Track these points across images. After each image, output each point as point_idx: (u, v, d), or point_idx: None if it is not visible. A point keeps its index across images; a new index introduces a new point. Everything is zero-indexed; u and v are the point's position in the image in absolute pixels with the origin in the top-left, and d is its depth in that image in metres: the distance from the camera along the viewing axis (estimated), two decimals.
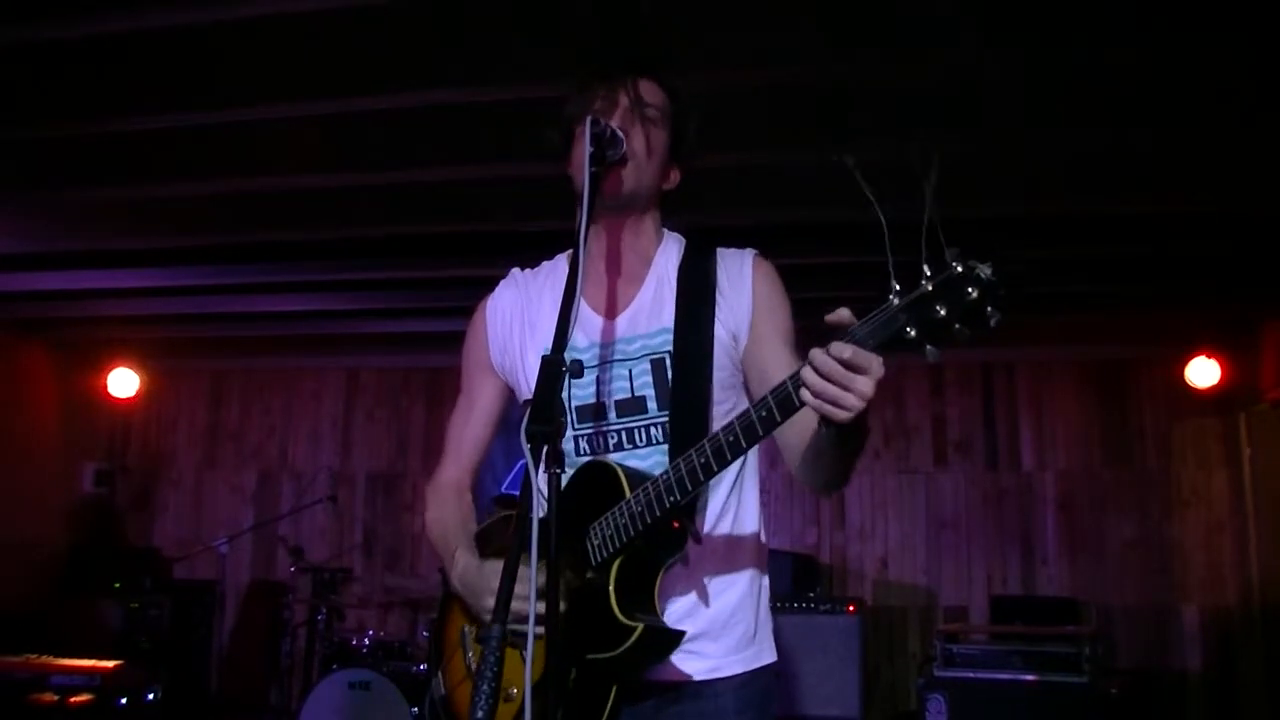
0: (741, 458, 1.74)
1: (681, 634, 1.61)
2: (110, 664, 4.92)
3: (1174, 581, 6.32)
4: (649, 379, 1.72)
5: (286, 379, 7.68)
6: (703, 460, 1.49)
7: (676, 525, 1.59)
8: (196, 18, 3.06)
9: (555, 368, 1.46)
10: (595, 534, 1.59)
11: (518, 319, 1.87)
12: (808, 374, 1.35)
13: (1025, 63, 3.27)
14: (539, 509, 1.36)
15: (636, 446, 1.72)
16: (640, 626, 1.54)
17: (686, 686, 1.69)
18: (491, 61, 3.22)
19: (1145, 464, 6.50)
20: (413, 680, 5.01)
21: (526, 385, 1.82)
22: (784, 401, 1.40)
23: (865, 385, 1.34)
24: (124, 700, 4.86)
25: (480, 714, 1.29)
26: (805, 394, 1.36)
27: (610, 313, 1.78)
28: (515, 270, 1.96)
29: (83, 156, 4.03)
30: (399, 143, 3.83)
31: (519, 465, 1.90)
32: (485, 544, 1.79)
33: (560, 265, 1.91)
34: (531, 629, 1.32)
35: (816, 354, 1.34)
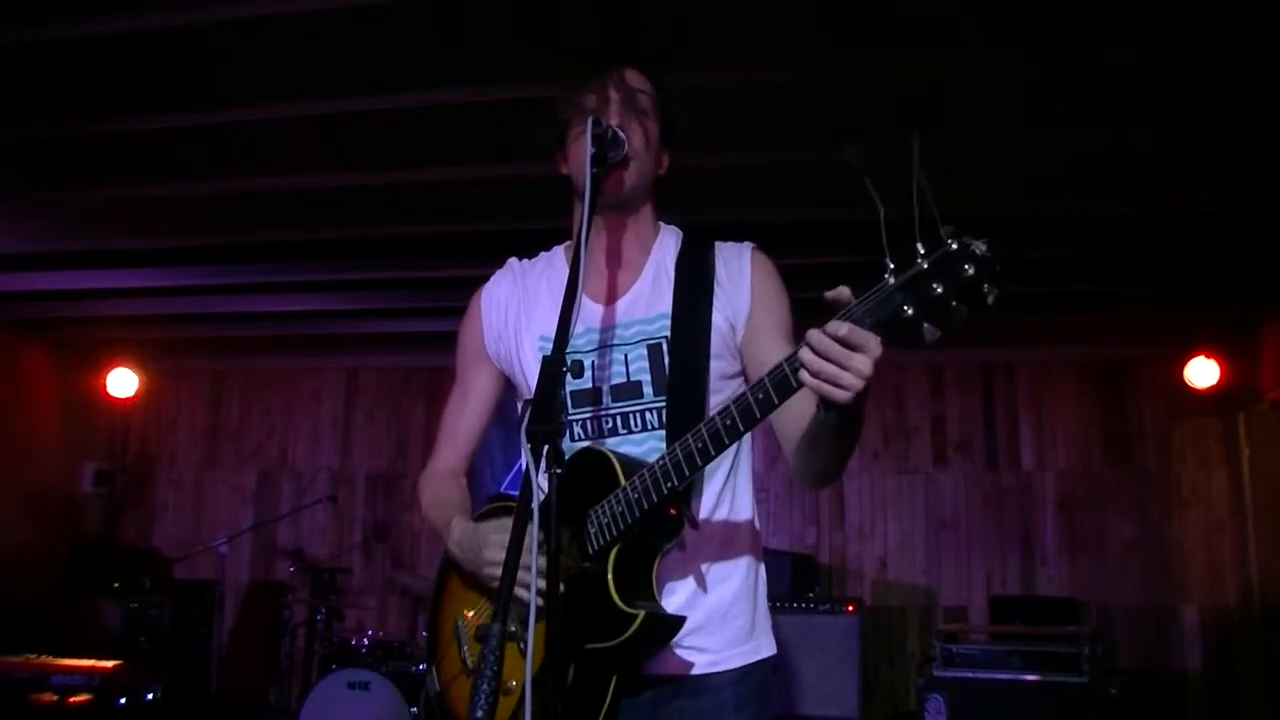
0: (737, 444, 1.73)
1: (682, 620, 1.60)
2: (110, 664, 4.92)
3: (1174, 581, 6.32)
4: (645, 364, 1.72)
5: (286, 379, 7.68)
6: (700, 445, 1.48)
7: (673, 512, 1.58)
8: (196, 18, 3.06)
9: (556, 368, 1.45)
10: (591, 522, 1.59)
11: (514, 307, 1.87)
12: (805, 354, 1.34)
13: (1025, 63, 3.27)
14: (537, 501, 1.36)
15: (632, 431, 1.71)
16: (641, 613, 1.53)
17: (685, 681, 1.68)
18: (491, 61, 3.22)
19: (1145, 464, 6.50)
20: (412, 680, 5.01)
21: (522, 372, 1.82)
22: (781, 383, 1.40)
23: (863, 363, 1.31)
24: (123, 700, 4.86)
25: (480, 714, 1.29)
26: (803, 374, 1.35)
27: (607, 300, 1.79)
28: (513, 260, 1.96)
29: (83, 156, 4.03)
30: (399, 143, 3.83)
31: (518, 464, 1.90)
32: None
33: (558, 256, 1.91)
34: (532, 623, 1.32)
35: (814, 333, 1.33)
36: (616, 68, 1.75)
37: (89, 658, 4.97)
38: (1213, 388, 6.18)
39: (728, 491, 1.76)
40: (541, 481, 1.37)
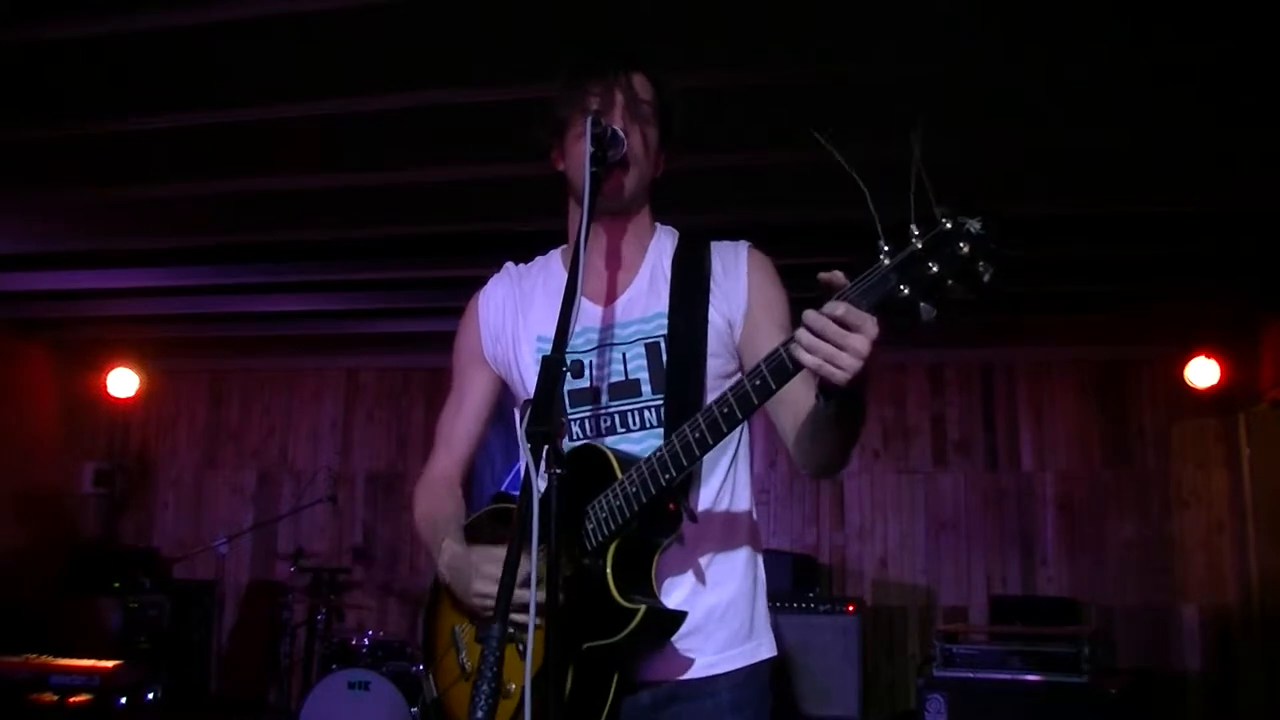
0: (736, 436, 1.75)
1: (683, 615, 1.59)
2: (109, 664, 4.92)
3: (1173, 581, 6.32)
4: (643, 362, 1.71)
5: (286, 379, 7.69)
6: (697, 435, 1.47)
7: (672, 506, 1.57)
8: (196, 18, 3.06)
9: (556, 368, 1.44)
10: (589, 518, 1.57)
11: (510, 309, 1.87)
12: (802, 334, 1.34)
13: (1025, 63, 3.27)
14: (537, 500, 1.35)
15: (630, 430, 1.71)
16: (642, 608, 1.52)
17: (684, 684, 1.67)
18: (491, 62, 3.22)
19: (1145, 464, 6.50)
20: (412, 680, 5.01)
21: (519, 374, 1.81)
22: (778, 368, 1.39)
23: (860, 343, 1.31)
24: (123, 700, 4.86)
25: (480, 714, 1.28)
26: (800, 352, 1.34)
27: (605, 300, 1.78)
28: (509, 264, 1.95)
29: (83, 156, 4.03)
30: (399, 143, 3.83)
31: (517, 466, 1.88)
32: (474, 537, 1.77)
33: (554, 260, 1.91)
34: (533, 619, 1.31)
35: (810, 313, 1.33)
36: (623, 70, 1.74)
37: (89, 658, 4.98)
38: (1213, 388, 6.18)
39: (726, 489, 1.75)
40: (541, 482, 1.36)
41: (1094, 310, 5.89)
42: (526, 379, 1.79)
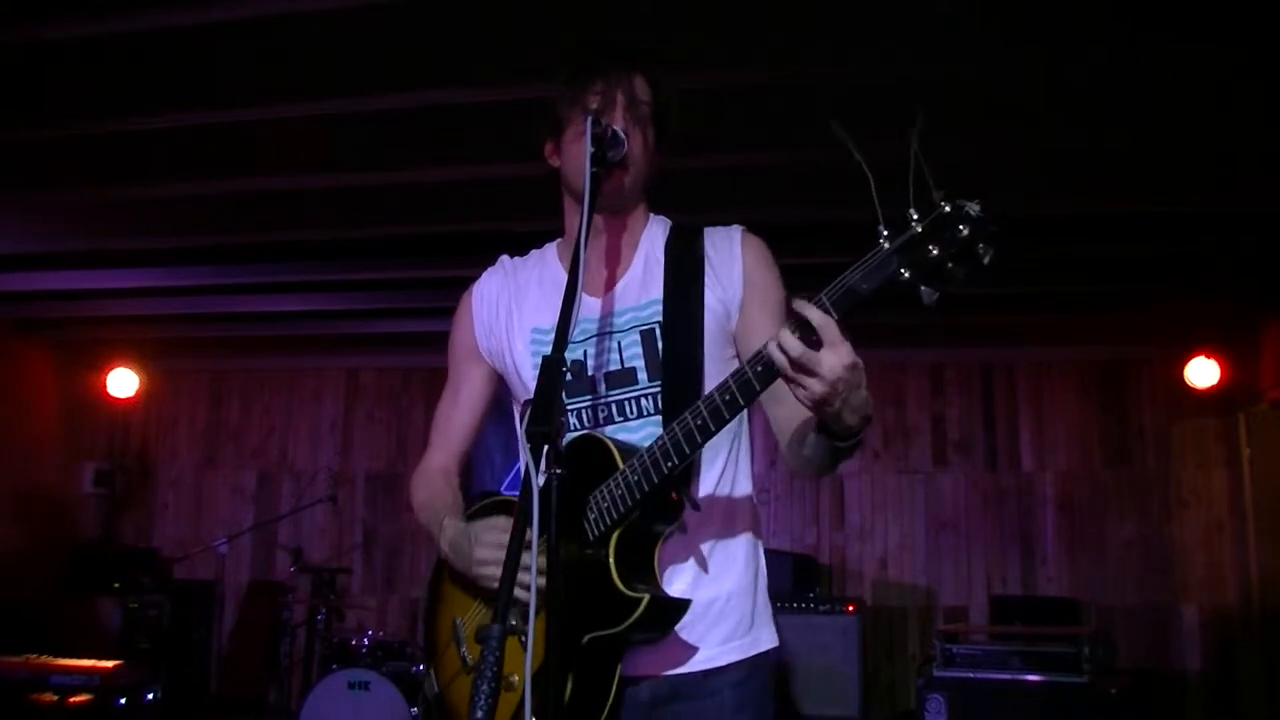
0: (737, 424, 1.75)
1: (687, 604, 1.58)
2: (109, 664, 4.92)
3: (1174, 581, 6.32)
4: (638, 350, 1.71)
5: (286, 379, 7.69)
6: (699, 422, 1.47)
7: (674, 495, 1.57)
8: (196, 18, 3.07)
9: (556, 368, 1.44)
10: (591, 508, 1.57)
11: (505, 302, 1.86)
12: (772, 349, 1.36)
13: (1026, 63, 3.27)
14: (537, 499, 1.35)
15: (628, 419, 1.70)
16: (646, 597, 1.51)
17: (685, 679, 1.66)
18: (491, 62, 3.22)
19: (1145, 464, 6.50)
20: (412, 680, 5.01)
21: (514, 366, 1.81)
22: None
23: (832, 366, 1.33)
24: (123, 700, 4.86)
25: (480, 714, 1.28)
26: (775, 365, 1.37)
27: (598, 291, 1.78)
28: (504, 257, 1.95)
29: (83, 156, 4.03)
30: (399, 143, 3.83)
31: (517, 465, 1.88)
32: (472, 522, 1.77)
33: (550, 253, 1.91)
34: (533, 615, 1.31)
35: (783, 333, 1.35)
36: (625, 71, 1.74)
37: (89, 658, 4.97)
38: (1213, 388, 6.18)
39: (728, 477, 1.75)
40: (540, 482, 1.36)
41: (1094, 310, 5.89)
42: (522, 372, 1.79)
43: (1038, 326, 6.29)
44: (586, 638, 1.53)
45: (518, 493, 1.41)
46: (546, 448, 1.36)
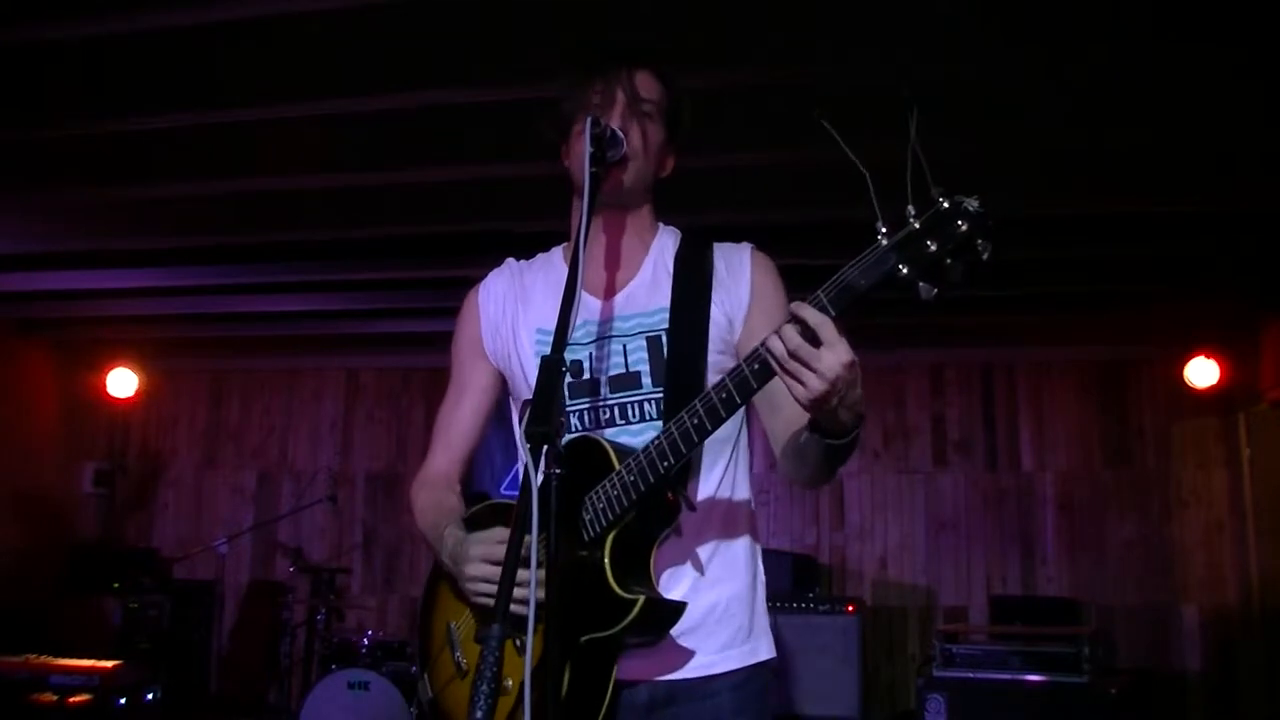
0: (736, 428, 1.75)
1: (683, 606, 1.58)
2: (109, 664, 4.92)
3: (1174, 581, 6.32)
4: (644, 355, 1.71)
5: (286, 379, 7.69)
6: (695, 421, 1.46)
7: (670, 496, 1.57)
8: (196, 18, 3.07)
9: (555, 368, 1.44)
10: (587, 509, 1.56)
11: (510, 302, 1.86)
12: (774, 344, 1.36)
13: (1026, 63, 3.27)
14: (536, 500, 1.35)
15: (630, 422, 1.70)
16: (641, 598, 1.50)
17: (681, 685, 1.66)
18: (491, 62, 3.22)
19: (1145, 464, 6.50)
20: (412, 680, 5.00)
21: (520, 365, 1.80)
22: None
23: (829, 363, 1.33)
24: (123, 700, 4.86)
25: (479, 714, 1.27)
26: (773, 364, 1.37)
27: (606, 294, 1.78)
28: (510, 260, 1.95)
29: (82, 156, 4.03)
30: (399, 143, 3.83)
31: (517, 465, 1.87)
32: (474, 529, 1.75)
33: (556, 256, 1.91)
34: (532, 617, 1.30)
35: (786, 327, 1.36)
36: (627, 68, 1.74)
37: (89, 658, 4.98)
38: (1212, 388, 6.18)
39: (727, 482, 1.75)
40: (539, 482, 1.36)
41: (1094, 310, 5.89)
42: (527, 371, 1.78)
43: (1038, 326, 6.29)
44: (582, 639, 1.53)
45: (517, 493, 1.40)
46: (546, 448, 1.36)
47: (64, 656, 4.95)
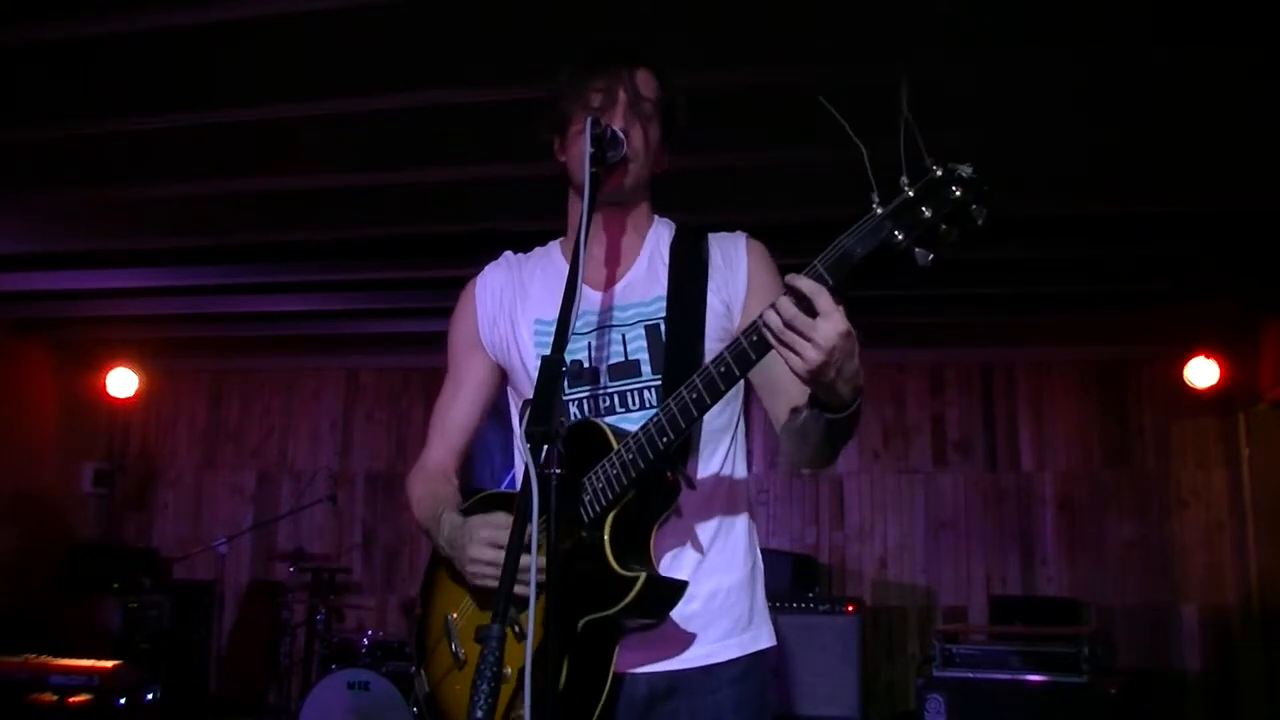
0: (734, 411, 1.76)
1: (684, 585, 1.57)
2: (109, 664, 4.92)
3: (1173, 581, 6.32)
4: (643, 343, 1.71)
5: (286, 379, 7.69)
6: (694, 395, 1.46)
7: (670, 476, 1.56)
8: (196, 18, 3.06)
9: (555, 368, 1.44)
10: (586, 489, 1.55)
11: (509, 294, 1.86)
12: (769, 316, 1.36)
13: (1026, 63, 3.27)
14: (536, 501, 1.35)
15: (630, 410, 1.70)
16: (642, 576, 1.50)
17: (683, 675, 1.65)
18: (491, 62, 3.22)
19: (1144, 464, 6.50)
20: (411, 680, 5.01)
21: (519, 356, 1.80)
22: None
23: (826, 334, 1.32)
24: (123, 700, 4.86)
25: (479, 713, 1.27)
26: (769, 335, 1.37)
27: (603, 286, 1.78)
28: (508, 253, 1.95)
29: (83, 156, 4.03)
30: (399, 143, 3.83)
31: (517, 465, 1.87)
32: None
33: (553, 250, 1.91)
34: (533, 612, 1.30)
35: (782, 299, 1.35)
36: (628, 67, 1.74)
37: (88, 658, 4.97)
38: (1212, 388, 6.19)
39: (726, 471, 1.75)
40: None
41: (1094, 310, 5.89)
42: (527, 362, 1.78)
43: (1038, 326, 6.29)
44: (582, 622, 1.52)
45: (518, 488, 1.40)
46: (546, 447, 1.36)
47: (64, 656, 4.95)
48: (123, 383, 7.39)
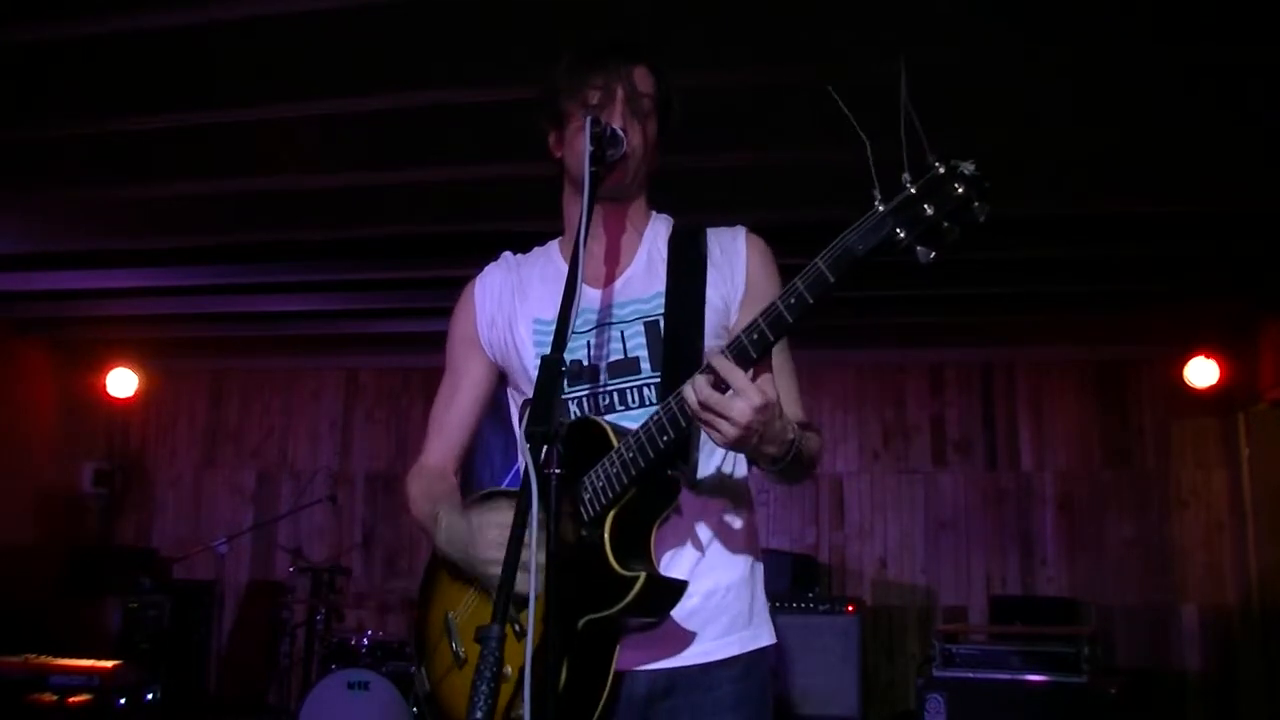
0: None
1: (684, 584, 1.57)
2: (109, 664, 4.92)
3: (1173, 581, 6.32)
4: (643, 340, 1.71)
5: (286, 379, 7.68)
6: None
7: (670, 474, 1.56)
8: (196, 18, 3.06)
9: (555, 368, 1.44)
10: (586, 488, 1.55)
11: (508, 294, 1.86)
12: (687, 392, 1.43)
13: (1025, 63, 3.27)
14: (536, 500, 1.35)
15: (630, 408, 1.70)
16: (642, 575, 1.50)
17: (682, 673, 1.65)
18: (490, 62, 3.22)
19: (1144, 464, 6.50)
20: (411, 680, 5.01)
21: (518, 355, 1.80)
22: (777, 320, 1.40)
23: (741, 411, 1.39)
24: (123, 700, 4.86)
25: (479, 714, 1.27)
26: (687, 407, 1.44)
27: (602, 283, 1.78)
28: (506, 253, 1.95)
29: (83, 156, 4.03)
30: (399, 143, 3.83)
31: (517, 465, 1.87)
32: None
33: (552, 249, 1.91)
34: (533, 610, 1.30)
35: (697, 377, 1.42)
36: (626, 64, 1.74)
37: (88, 658, 4.97)
38: (1212, 388, 6.19)
39: (726, 469, 1.74)
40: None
41: (1094, 310, 5.90)
42: (526, 362, 1.78)
43: (1038, 326, 6.29)
44: (582, 621, 1.52)
45: (518, 486, 1.40)
46: (546, 447, 1.36)
47: (64, 656, 4.95)
48: (122, 383, 7.39)
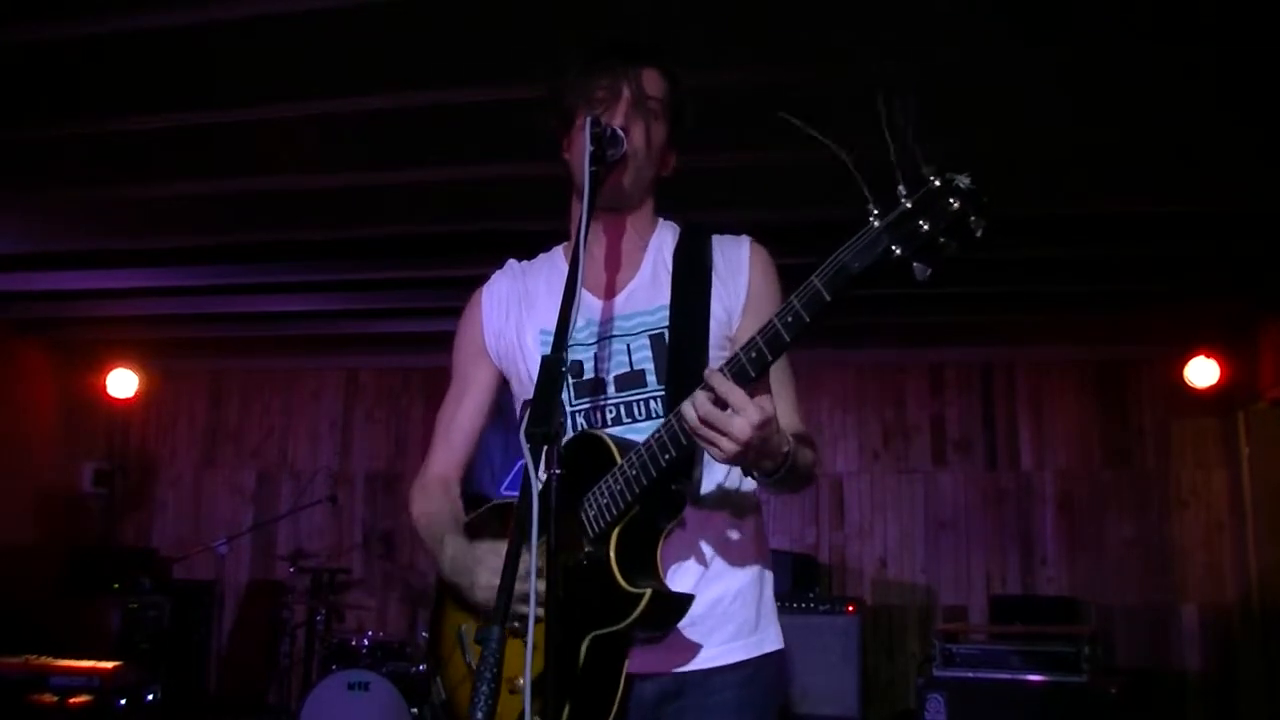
0: None
1: (690, 598, 1.58)
2: (109, 664, 4.92)
3: (1173, 581, 6.32)
4: (648, 353, 1.71)
5: (286, 379, 7.68)
6: None
7: (674, 488, 1.57)
8: (196, 18, 3.06)
9: (555, 369, 1.44)
10: (590, 505, 1.56)
11: (514, 303, 1.86)
12: (686, 410, 1.44)
13: (1025, 62, 3.27)
14: (536, 499, 1.35)
15: (636, 420, 1.70)
16: (648, 591, 1.50)
17: (689, 677, 1.66)
18: (491, 62, 3.22)
19: (1144, 464, 6.50)
20: (411, 681, 5.01)
21: (525, 365, 1.80)
22: (774, 339, 1.41)
23: (740, 427, 1.40)
24: (123, 701, 4.86)
25: (479, 714, 1.27)
26: (687, 425, 1.45)
27: (607, 294, 1.78)
28: (512, 261, 1.95)
29: (83, 156, 4.03)
30: (399, 143, 3.83)
31: (518, 465, 1.87)
32: (475, 535, 1.75)
33: (557, 256, 1.91)
34: (533, 613, 1.30)
35: (698, 394, 1.43)
36: (634, 65, 1.73)
37: (89, 658, 4.97)
38: (1212, 387, 6.19)
39: (732, 478, 1.74)
40: (539, 484, 1.35)
41: (1094, 310, 5.90)
42: (533, 372, 1.78)
43: (1038, 326, 6.29)
44: (589, 637, 1.53)
45: (517, 492, 1.40)
46: (546, 448, 1.36)
47: (64, 657, 4.95)
48: (122, 383, 7.39)
